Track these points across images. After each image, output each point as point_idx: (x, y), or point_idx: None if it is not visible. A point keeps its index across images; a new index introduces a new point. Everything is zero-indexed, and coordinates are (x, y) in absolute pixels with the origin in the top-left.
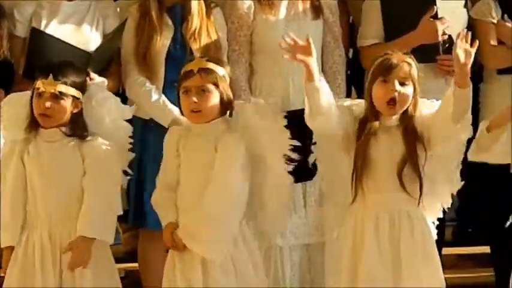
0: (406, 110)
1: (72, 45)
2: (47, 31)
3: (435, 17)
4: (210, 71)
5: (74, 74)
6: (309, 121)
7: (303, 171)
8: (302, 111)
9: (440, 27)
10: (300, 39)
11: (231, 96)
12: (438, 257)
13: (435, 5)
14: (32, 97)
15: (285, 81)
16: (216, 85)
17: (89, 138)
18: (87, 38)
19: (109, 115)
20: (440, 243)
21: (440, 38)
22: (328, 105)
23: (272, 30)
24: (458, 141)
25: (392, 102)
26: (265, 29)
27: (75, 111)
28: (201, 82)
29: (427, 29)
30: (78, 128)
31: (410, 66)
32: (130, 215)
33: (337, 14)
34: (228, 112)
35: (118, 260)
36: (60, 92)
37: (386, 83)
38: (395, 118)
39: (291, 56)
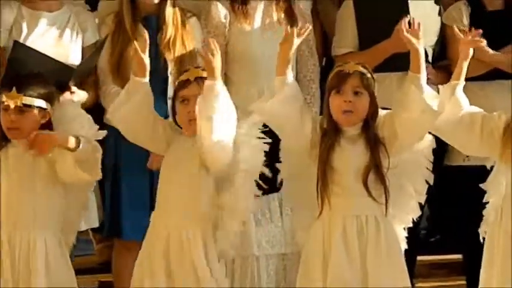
0: (367, 119)
1: (54, 59)
2: (28, 41)
3: (409, 25)
4: (206, 79)
5: (39, 85)
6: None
7: (272, 183)
8: None
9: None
10: (274, 47)
11: None
12: (404, 261)
13: (408, 13)
14: None
15: (260, 90)
16: None
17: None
18: (67, 49)
19: (81, 131)
20: (414, 251)
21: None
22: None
23: (247, 39)
24: (426, 129)
25: (347, 112)
26: (240, 38)
27: (43, 121)
28: (198, 90)
29: (399, 37)
30: None
31: (363, 75)
32: (105, 226)
33: (311, 23)
34: None
35: (91, 271)
36: (24, 105)
37: (340, 94)
38: (357, 127)
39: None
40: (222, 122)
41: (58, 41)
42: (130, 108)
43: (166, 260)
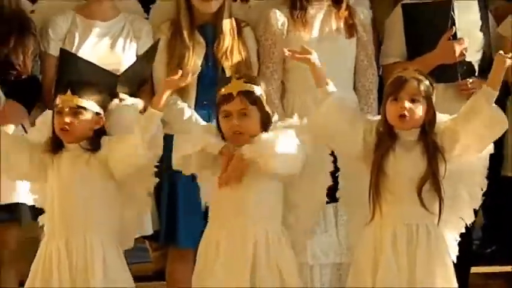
0: (424, 126)
1: (99, 67)
2: (80, 50)
3: (454, 37)
4: (249, 93)
5: (93, 91)
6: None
7: (332, 192)
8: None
9: (458, 48)
10: (332, 57)
11: (271, 113)
12: (453, 271)
13: (454, 25)
14: (53, 116)
15: (316, 99)
16: (256, 105)
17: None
18: (120, 58)
19: (127, 131)
20: (468, 261)
21: (457, 59)
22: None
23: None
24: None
25: (402, 116)
26: (298, 46)
27: (96, 127)
28: (241, 105)
29: (445, 49)
30: (95, 143)
31: (421, 82)
32: (161, 234)
33: (371, 33)
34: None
35: (147, 279)
36: (78, 106)
37: (397, 101)
38: (414, 133)
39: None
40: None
41: (111, 50)
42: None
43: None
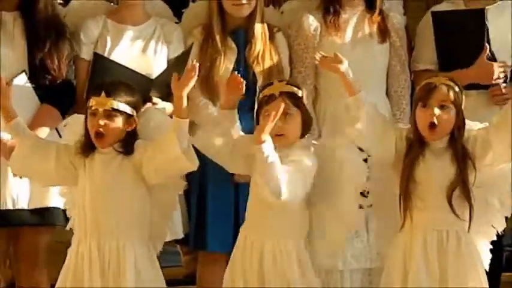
0: (453, 133)
1: (133, 71)
2: (112, 55)
3: (492, 55)
4: (291, 94)
5: (126, 93)
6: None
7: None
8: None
9: (497, 70)
10: (365, 62)
11: (312, 117)
12: (485, 278)
13: (487, 34)
14: (86, 118)
15: None
16: (298, 107)
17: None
18: (151, 62)
19: (158, 132)
20: (498, 268)
21: (494, 81)
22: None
23: (338, 52)
24: None
25: (432, 126)
26: (331, 51)
27: (129, 129)
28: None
29: (483, 70)
30: (128, 145)
31: (450, 88)
32: (191, 238)
33: (404, 38)
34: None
35: (178, 283)
36: (113, 109)
37: (426, 107)
38: (443, 140)
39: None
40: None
41: (142, 54)
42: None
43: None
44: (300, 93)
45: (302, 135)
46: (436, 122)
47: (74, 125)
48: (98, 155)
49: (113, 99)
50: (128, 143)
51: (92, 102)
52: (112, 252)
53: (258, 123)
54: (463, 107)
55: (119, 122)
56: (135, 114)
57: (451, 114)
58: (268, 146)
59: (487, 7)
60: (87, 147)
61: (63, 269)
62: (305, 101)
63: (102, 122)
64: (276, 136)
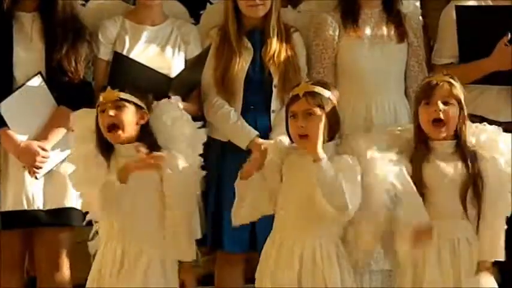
0: (458, 134)
1: (153, 70)
2: (130, 55)
3: (511, 42)
4: (315, 94)
5: (132, 89)
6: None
7: None
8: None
9: None
10: (383, 62)
11: (339, 118)
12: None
13: (510, 31)
14: (97, 117)
15: (368, 104)
16: (323, 108)
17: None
18: (170, 62)
19: (182, 133)
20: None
21: None
22: None
23: (356, 52)
24: None
25: (437, 122)
26: (349, 51)
27: (141, 122)
28: (307, 106)
29: (501, 55)
30: (148, 143)
31: (452, 85)
32: (208, 238)
33: (421, 38)
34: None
35: (197, 283)
36: (120, 99)
37: (429, 105)
38: (451, 145)
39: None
40: None
41: (160, 55)
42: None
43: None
44: (326, 94)
45: (330, 138)
46: (442, 117)
47: (83, 118)
48: (122, 159)
49: (118, 90)
50: (145, 141)
51: (100, 99)
52: (137, 257)
53: (287, 124)
54: (464, 103)
55: (128, 112)
56: (144, 106)
57: (455, 110)
58: (326, 163)
59: None
60: (103, 148)
61: (93, 268)
62: (334, 102)
63: (112, 113)
64: (300, 137)
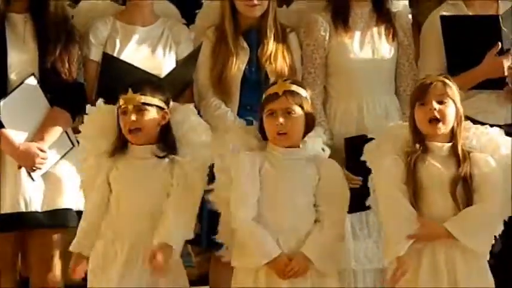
0: (454, 135)
1: (143, 70)
2: (121, 56)
3: (501, 52)
4: (295, 93)
5: (152, 88)
6: None
7: (361, 201)
8: (361, 137)
9: (506, 63)
10: (374, 61)
11: (315, 118)
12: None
13: (500, 41)
14: (118, 118)
15: (359, 104)
16: (301, 107)
17: (179, 158)
18: (161, 63)
19: (197, 139)
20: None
21: (506, 73)
22: None
23: (346, 52)
24: None
25: (433, 121)
26: (339, 51)
27: (162, 122)
28: (286, 104)
29: (492, 65)
30: (168, 146)
31: (446, 84)
32: (203, 238)
33: (411, 37)
34: None
35: (190, 283)
36: (143, 103)
37: (424, 105)
38: (446, 147)
39: None
40: None
41: (151, 55)
42: None
43: None
44: (304, 93)
45: (303, 135)
46: (438, 116)
47: (95, 115)
48: (135, 160)
49: (140, 94)
50: (165, 143)
51: (121, 101)
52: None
53: (261, 122)
54: (459, 103)
55: (150, 115)
56: (166, 107)
57: (450, 108)
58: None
59: (500, 14)
60: (119, 144)
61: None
62: (309, 101)
63: (133, 117)
64: (279, 135)
